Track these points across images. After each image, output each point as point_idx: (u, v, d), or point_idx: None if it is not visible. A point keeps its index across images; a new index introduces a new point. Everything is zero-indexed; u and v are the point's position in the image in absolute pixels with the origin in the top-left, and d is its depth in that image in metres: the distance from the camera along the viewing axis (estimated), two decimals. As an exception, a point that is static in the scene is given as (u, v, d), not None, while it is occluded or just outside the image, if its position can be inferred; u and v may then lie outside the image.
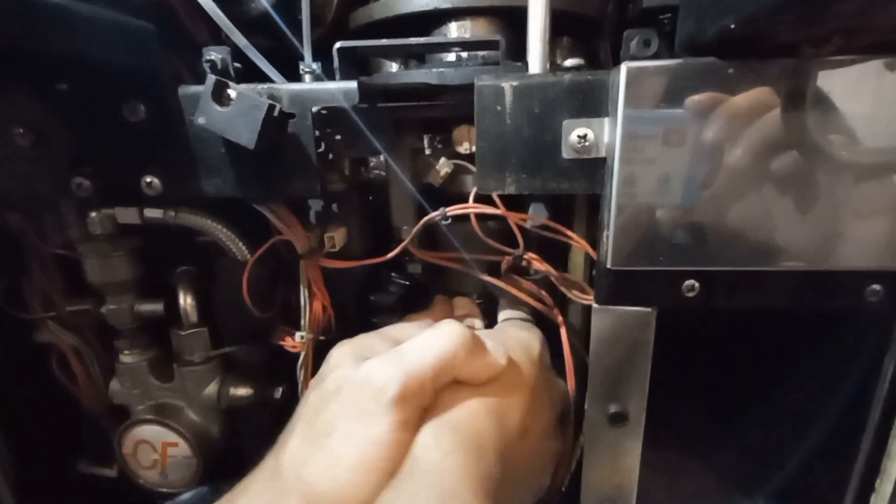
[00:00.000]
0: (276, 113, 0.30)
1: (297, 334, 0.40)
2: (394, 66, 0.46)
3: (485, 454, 0.28)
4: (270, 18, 0.40)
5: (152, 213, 0.38)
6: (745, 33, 0.25)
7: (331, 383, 0.29)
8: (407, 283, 0.52)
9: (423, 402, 0.28)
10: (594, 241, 0.37)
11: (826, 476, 0.39)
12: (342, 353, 0.32)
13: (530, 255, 0.40)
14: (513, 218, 0.36)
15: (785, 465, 0.43)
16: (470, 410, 0.30)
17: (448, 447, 0.27)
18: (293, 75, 0.38)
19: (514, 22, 0.39)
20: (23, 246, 0.42)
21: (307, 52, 0.40)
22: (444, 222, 0.37)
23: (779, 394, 0.43)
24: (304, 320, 0.40)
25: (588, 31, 0.43)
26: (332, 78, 0.36)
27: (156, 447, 0.43)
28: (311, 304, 0.40)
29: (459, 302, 0.46)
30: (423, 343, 0.30)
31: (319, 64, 0.39)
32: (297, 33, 0.39)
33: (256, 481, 0.27)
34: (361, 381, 0.28)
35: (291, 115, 0.32)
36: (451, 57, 0.41)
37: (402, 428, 0.27)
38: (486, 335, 0.34)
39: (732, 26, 0.22)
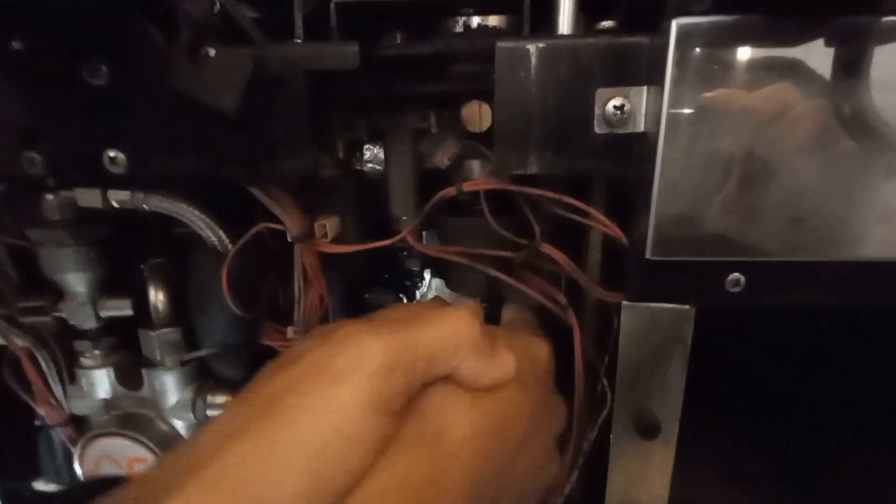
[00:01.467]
0: (262, 75, 0.26)
1: (290, 329, 0.35)
2: (394, 38, 0.42)
3: (481, 487, 0.24)
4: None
5: (118, 195, 0.33)
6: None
7: (292, 352, 0.23)
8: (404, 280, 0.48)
9: (410, 385, 0.22)
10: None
11: (875, 489, 0.35)
12: (323, 327, 0.26)
13: (547, 247, 0.36)
14: (537, 196, 0.32)
15: (831, 482, 0.39)
16: (466, 429, 0.24)
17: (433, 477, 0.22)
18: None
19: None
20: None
21: (297, 22, 0.35)
22: (460, 198, 0.33)
23: (826, 401, 0.40)
24: (298, 312, 0.35)
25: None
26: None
27: (121, 463, 0.38)
28: (307, 295, 0.35)
29: (460, 302, 0.42)
30: (427, 317, 0.24)
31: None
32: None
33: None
34: (334, 344, 0.21)
35: (281, 79, 0.28)
36: (460, 27, 0.37)
37: (378, 411, 0.20)
38: (497, 334, 0.29)
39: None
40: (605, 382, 0.34)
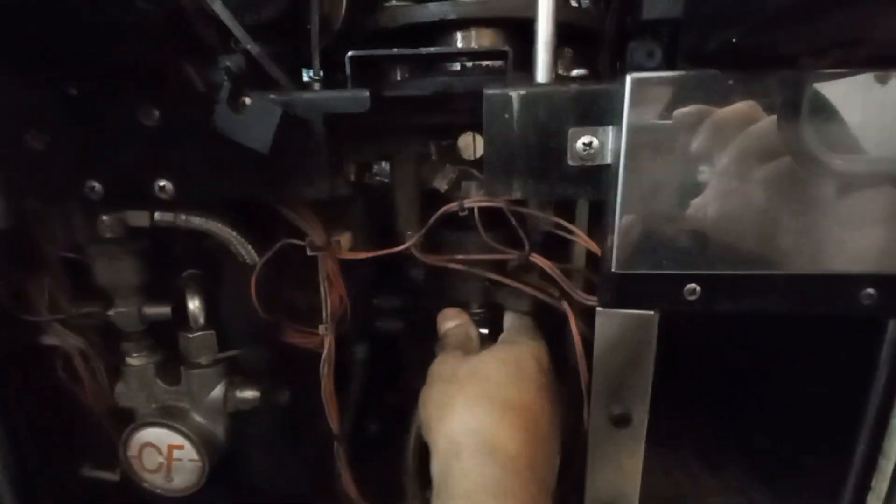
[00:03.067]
0: (289, 119, 0.31)
1: (321, 326, 0.40)
2: (398, 74, 0.47)
3: None
4: (277, 26, 0.41)
5: (163, 216, 0.38)
6: (747, 46, 0.26)
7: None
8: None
9: None
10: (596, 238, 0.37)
11: (825, 475, 0.40)
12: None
13: (535, 256, 0.41)
14: (526, 212, 0.37)
15: (785, 464, 0.44)
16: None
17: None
18: (295, 81, 0.39)
19: (517, 32, 0.40)
20: (30, 248, 0.42)
21: (315, 61, 0.40)
22: (461, 213, 0.37)
23: (778, 396, 0.44)
24: (326, 311, 0.40)
25: (588, 42, 0.44)
26: (335, 85, 0.37)
27: (161, 450, 0.43)
28: (331, 296, 0.40)
29: (448, 313, 0.46)
30: None
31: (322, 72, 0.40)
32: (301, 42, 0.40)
33: None
34: None
35: (304, 121, 0.33)
36: (457, 66, 0.42)
37: None
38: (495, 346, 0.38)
39: (735, 40, 0.23)
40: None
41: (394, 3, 0.42)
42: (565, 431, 0.40)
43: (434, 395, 0.37)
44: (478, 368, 0.37)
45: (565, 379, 0.42)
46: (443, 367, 0.39)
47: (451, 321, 0.45)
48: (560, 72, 0.42)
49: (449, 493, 0.30)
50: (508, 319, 0.46)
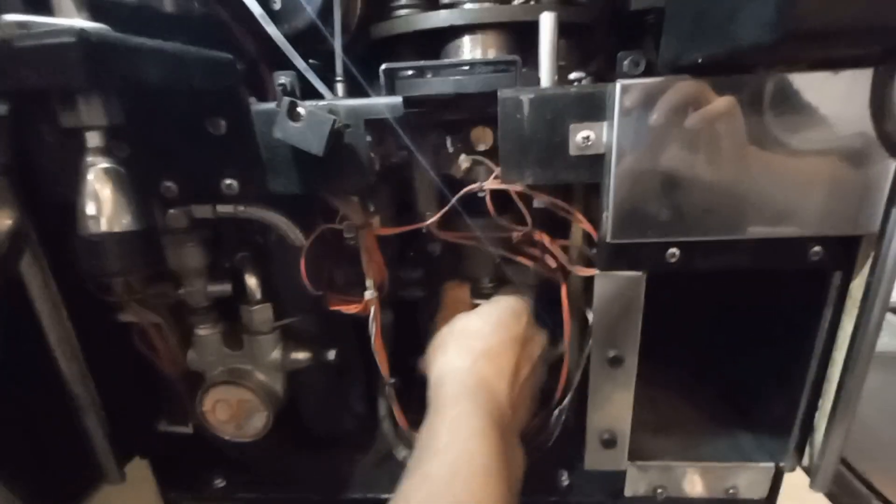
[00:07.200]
0: (337, 125, 0.37)
1: (366, 292, 0.48)
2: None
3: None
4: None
5: (224, 209, 0.45)
6: (713, 63, 0.32)
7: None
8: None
9: None
10: (590, 219, 0.44)
11: (781, 400, 0.48)
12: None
13: (538, 233, 0.48)
14: (536, 196, 0.43)
15: (750, 393, 0.53)
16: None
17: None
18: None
19: (519, 33, 0.46)
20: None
21: (338, 65, 0.46)
22: (480, 194, 0.44)
23: (744, 338, 0.52)
24: (369, 280, 0.48)
25: (584, 34, 0.50)
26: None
27: (231, 403, 0.51)
28: (372, 266, 0.47)
29: (449, 284, 0.57)
30: None
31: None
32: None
33: None
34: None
35: (348, 126, 0.39)
36: (466, 66, 0.48)
37: None
38: (484, 304, 0.48)
39: (700, 61, 0.29)
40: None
41: (402, 11, 0.48)
42: (547, 371, 0.51)
43: (433, 342, 0.48)
44: (464, 323, 0.48)
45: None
46: (441, 322, 0.51)
47: (450, 289, 0.55)
48: (560, 62, 0.48)
49: (435, 404, 0.41)
50: (502, 291, 0.54)
